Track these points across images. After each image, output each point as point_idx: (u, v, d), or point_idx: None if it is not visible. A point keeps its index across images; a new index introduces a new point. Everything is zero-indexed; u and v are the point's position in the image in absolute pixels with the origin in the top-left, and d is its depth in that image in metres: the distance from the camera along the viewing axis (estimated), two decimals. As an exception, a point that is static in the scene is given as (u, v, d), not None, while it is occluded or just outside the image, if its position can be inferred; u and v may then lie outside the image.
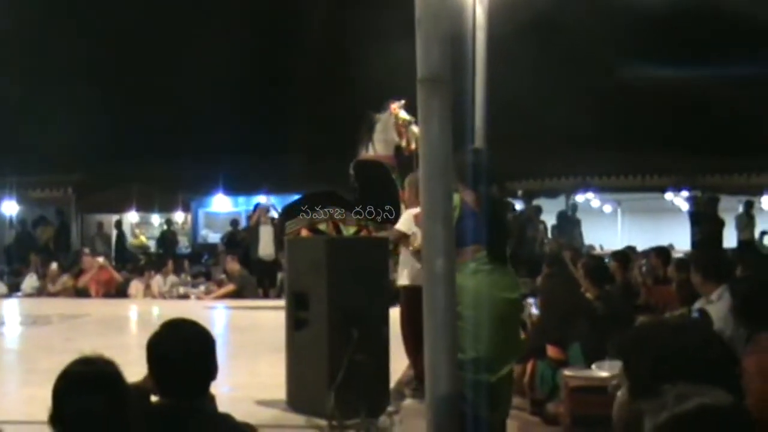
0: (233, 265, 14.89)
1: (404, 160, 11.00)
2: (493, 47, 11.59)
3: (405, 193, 7.90)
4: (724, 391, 1.89)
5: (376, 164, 11.26)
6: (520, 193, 20.39)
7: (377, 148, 11.28)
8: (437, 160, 4.36)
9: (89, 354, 2.96)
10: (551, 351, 7.69)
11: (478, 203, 5.76)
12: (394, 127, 11.11)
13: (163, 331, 3.38)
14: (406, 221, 6.99)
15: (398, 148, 11.18)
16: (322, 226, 10.60)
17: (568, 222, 20.94)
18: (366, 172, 11.39)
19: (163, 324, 3.42)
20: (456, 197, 5.42)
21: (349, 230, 7.40)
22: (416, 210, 6.72)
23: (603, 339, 7.55)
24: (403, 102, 11.07)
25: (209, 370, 3.34)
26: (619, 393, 2.49)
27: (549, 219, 21.02)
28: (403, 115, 11.03)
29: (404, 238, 6.83)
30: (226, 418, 3.38)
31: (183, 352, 3.29)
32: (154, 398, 3.48)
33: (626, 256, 10.87)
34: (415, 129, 10.61)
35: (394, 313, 5.96)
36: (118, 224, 24.79)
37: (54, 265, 16.37)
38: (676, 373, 2.14)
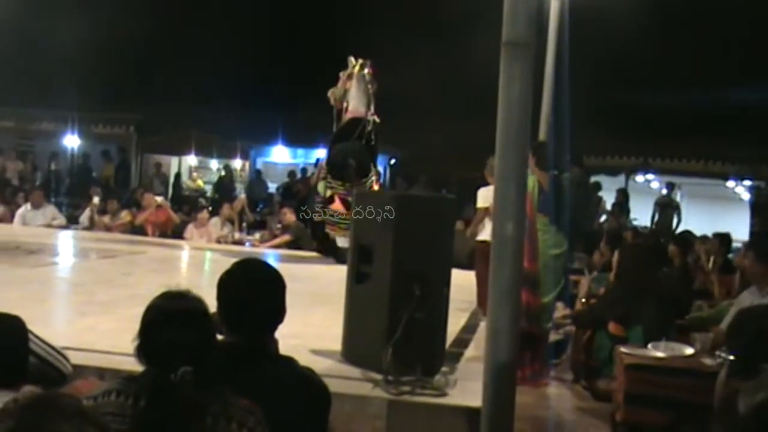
0: (289, 216, 14.89)
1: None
2: (573, 19, 11.41)
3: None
4: None
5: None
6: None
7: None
8: (515, 126, 4.32)
9: (178, 289, 2.98)
10: (612, 327, 7.60)
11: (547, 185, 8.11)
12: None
13: (235, 268, 3.39)
14: (482, 197, 8.53)
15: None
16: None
17: (665, 206, 20.49)
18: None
19: (236, 262, 3.44)
20: (532, 178, 7.69)
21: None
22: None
23: (659, 321, 7.52)
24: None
25: (278, 311, 3.35)
26: (721, 372, 2.46)
27: (609, 197, 20.79)
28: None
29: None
30: (290, 361, 3.39)
31: (254, 290, 3.31)
32: (219, 337, 3.51)
33: (686, 240, 10.72)
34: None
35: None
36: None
37: (114, 201, 16.56)
38: None
